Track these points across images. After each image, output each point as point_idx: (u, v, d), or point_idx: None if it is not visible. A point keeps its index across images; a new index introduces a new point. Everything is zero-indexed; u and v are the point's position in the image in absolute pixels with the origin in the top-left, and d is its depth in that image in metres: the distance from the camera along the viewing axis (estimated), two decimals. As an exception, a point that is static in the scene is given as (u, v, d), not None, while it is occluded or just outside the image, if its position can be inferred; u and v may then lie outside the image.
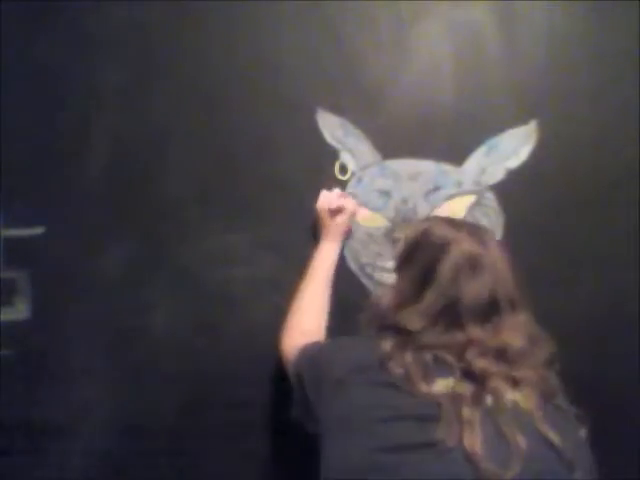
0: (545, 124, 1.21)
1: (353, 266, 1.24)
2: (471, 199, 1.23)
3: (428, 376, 0.82)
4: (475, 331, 0.85)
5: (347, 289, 1.20)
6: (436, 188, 1.22)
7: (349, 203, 1.20)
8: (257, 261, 1.23)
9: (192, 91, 1.22)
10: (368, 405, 0.82)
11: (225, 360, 1.23)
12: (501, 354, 0.84)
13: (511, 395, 0.81)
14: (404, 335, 0.87)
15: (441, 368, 0.83)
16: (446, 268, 0.88)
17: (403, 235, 1.01)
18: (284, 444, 1.23)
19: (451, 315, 0.87)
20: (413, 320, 0.87)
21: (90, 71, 1.21)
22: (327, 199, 1.20)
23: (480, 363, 0.82)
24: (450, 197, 1.23)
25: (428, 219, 1.09)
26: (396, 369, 0.83)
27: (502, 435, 0.75)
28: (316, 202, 1.21)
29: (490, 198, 1.22)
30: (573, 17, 1.20)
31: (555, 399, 0.84)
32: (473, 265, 0.88)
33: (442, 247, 0.90)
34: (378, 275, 1.23)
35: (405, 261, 0.97)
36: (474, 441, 0.74)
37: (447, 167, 1.22)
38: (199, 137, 1.22)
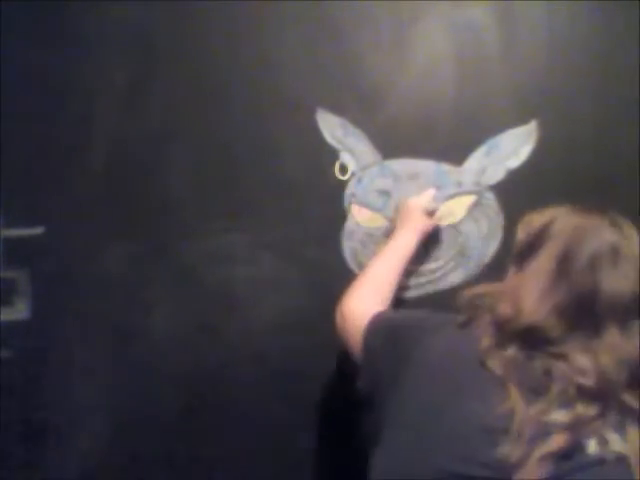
0: (545, 124, 1.21)
1: (353, 266, 1.24)
2: (471, 199, 1.23)
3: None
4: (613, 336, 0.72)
5: (347, 289, 1.20)
6: (436, 188, 1.22)
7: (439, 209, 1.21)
8: (257, 261, 1.23)
9: (192, 91, 1.22)
10: (451, 408, 0.72)
11: (225, 360, 1.23)
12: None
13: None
14: (526, 334, 0.74)
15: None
16: (584, 257, 0.76)
17: (523, 224, 0.88)
18: (284, 444, 1.23)
19: (584, 313, 0.74)
20: (539, 316, 0.74)
21: (90, 71, 1.21)
22: (429, 199, 1.19)
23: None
24: (450, 197, 1.23)
25: (556, 208, 0.92)
26: (497, 370, 0.73)
27: None
28: (316, 202, 1.21)
29: (490, 198, 1.22)
30: (573, 17, 1.20)
31: None
32: (615, 255, 0.76)
33: (578, 235, 0.79)
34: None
35: (528, 251, 0.83)
36: None
37: (447, 167, 1.22)
38: (199, 137, 1.22)
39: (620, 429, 0.69)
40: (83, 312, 1.22)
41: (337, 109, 1.21)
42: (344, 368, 1.12)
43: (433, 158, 1.22)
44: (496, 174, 1.22)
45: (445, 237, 1.23)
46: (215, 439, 1.23)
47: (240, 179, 1.23)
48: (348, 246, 1.24)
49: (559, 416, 0.68)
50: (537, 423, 0.68)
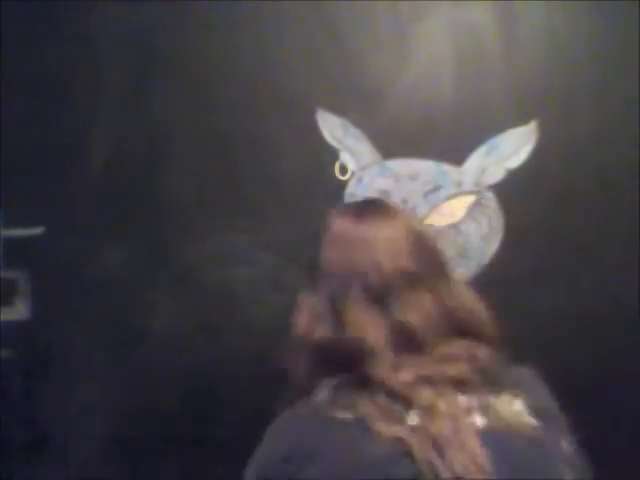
0: (545, 124, 1.20)
1: (353, 266, 1.23)
2: (471, 199, 1.22)
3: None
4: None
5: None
6: (436, 188, 1.22)
7: None
8: (257, 261, 1.23)
9: (192, 91, 1.22)
10: None
11: (225, 360, 1.23)
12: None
13: None
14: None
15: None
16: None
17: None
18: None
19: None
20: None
21: (90, 71, 1.21)
22: None
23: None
24: (450, 197, 1.23)
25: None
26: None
27: None
28: (316, 202, 1.21)
29: (490, 198, 1.22)
30: (573, 17, 1.20)
31: None
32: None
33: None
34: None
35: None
36: None
37: (447, 167, 1.22)
38: (199, 137, 1.22)
39: None
40: (83, 312, 1.22)
41: (337, 109, 1.21)
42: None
43: (433, 158, 1.22)
44: (496, 174, 1.22)
45: (445, 237, 1.23)
46: (215, 439, 1.23)
47: (240, 179, 1.23)
48: (348, 246, 1.24)
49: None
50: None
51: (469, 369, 0.70)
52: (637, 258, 1.21)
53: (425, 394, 0.67)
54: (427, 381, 0.68)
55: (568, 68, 1.21)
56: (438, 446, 0.64)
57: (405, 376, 0.68)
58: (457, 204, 1.23)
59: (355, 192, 1.23)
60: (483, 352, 0.72)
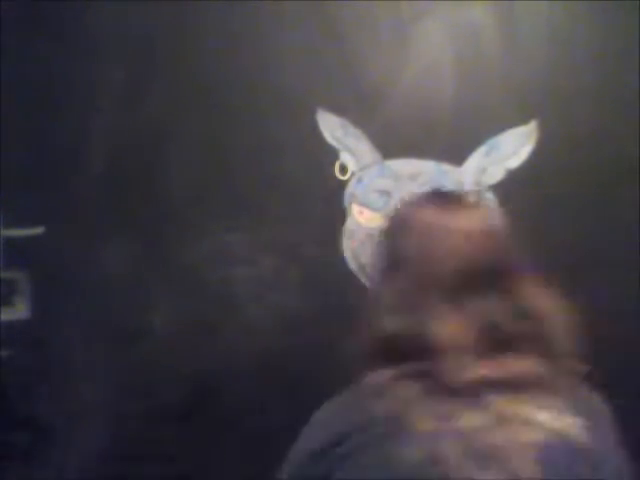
0: (545, 124, 1.20)
1: (353, 266, 1.24)
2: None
3: None
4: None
5: (347, 289, 1.20)
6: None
7: None
8: (257, 261, 1.23)
9: (192, 91, 1.22)
10: None
11: (225, 360, 1.23)
12: None
13: None
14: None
15: None
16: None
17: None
18: (284, 444, 1.23)
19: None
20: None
21: (90, 71, 1.21)
22: None
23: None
24: (450, 197, 1.23)
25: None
26: None
27: None
28: (316, 202, 1.21)
29: (490, 198, 1.22)
30: (573, 17, 1.20)
31: None
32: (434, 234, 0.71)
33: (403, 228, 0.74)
34: (378, 275, 1.23)
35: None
36: None
37: (447, 167, 1.22)
38: (199, 137, 1.22)
39: None
40: (83, 312, 1.22)
41: (337, 109, 1.21)
42: (344, 367, 1.12)
43: (433, 158, 1.22)
44: (496, 174, 1.22)
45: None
46: (215, 438, 1.23)
47: (240, 179, 1.23)
48: (348, 246, 1.24)
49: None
50: None
51: (538, 381, 0.66)
52: (637, 258, 1.21)
53: (489, 398, 0.64)
54: (493, 385, 0.64)
55: (568, 68, 1.21)
56: (482, 454, 0.60)
57: (472, 375, 0.64)
58: (457, 204, 1.23)
59: (355, 192, 1.23)
60: (554, 365, 0.69)
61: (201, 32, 1.21)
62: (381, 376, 0.68)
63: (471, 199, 0.79)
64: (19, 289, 1.21)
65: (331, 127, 1.22)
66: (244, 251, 1.23)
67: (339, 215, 1.23)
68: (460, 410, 0.63)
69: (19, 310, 1.21)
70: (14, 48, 1.19)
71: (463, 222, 0.71)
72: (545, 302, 0.73)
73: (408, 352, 0.66)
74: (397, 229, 0.76)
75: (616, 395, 1.18)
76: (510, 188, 1.21)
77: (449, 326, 0.66)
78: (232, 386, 1.23)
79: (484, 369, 0.65)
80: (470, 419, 0.62)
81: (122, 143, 1.22)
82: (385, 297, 0.72)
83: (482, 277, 0.68)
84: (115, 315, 1.22)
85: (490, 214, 0.77)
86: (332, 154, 1.22)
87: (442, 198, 0.78)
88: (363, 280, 1.24)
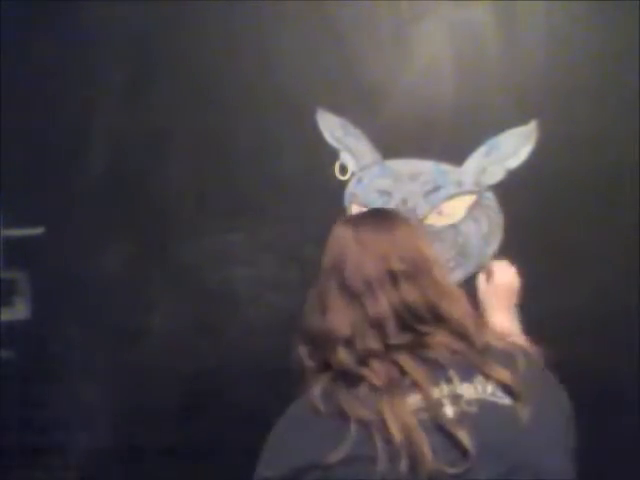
0: (545, 124, 1.20)
1: (353, 266, 1.23)
2: (471, 199, 1.22)
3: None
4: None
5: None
6: (436, 188, 1.22)
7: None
8: (257, 261, 1.23)
9: (192, 91, 1.22)
10: None
11: (225, 360, 1.23)
12: None
13: None
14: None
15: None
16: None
17: None
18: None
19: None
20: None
21: (90, 71, 1.21)
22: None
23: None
24: (450, 197, 1.22)
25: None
26: None
27: None
28: (316, 202, 1.21)
29: (490, 198, 1.22)
30: (573, 17, 1.20)
31: None
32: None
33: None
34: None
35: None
36: None
37: (447, 167, 1.22)
38: (199, 137, 1.22)
39: None
40: (83, 312, 1.22)
41: (337, 109, 1.21)
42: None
43: (433, 158, 1.22)
44: (496, 174, 1.22)
45: (445, 237, 1.23)
46: (215, 438, 1.23)
47: (240, 179, 1.23)
48: (348, 246, 1.24)
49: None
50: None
51: (447, 356, 0.75)
52: (638, 258, 1.21)
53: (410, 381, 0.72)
54: (396, 366, 0.74)
55: (568, 68, 1.20)
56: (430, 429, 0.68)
57: (375, 365, 0.74)
58: (457, 204, 1.23)
59: (355, 192, 1.23)
60: (461, 340, 0.77)
61: (201, 32, 1.21)
62: (320, 382, 0.80)
63: (390, 218, 0.91)
64: (19, 289, 1.21)
65: (331, 127, 1.22)
66: (244, 251, 1.23)
67: (339, 215, 1.23)
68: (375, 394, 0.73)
69: (19, 310, 1.21)
70: (14, 48, 1.19)
71: (371, 241, 0.84)
72: (448, 289, 0.83)
73: (319, 344, 0.82)
74: (326, 244, 0.91)
75: (616, 394, 1.19)
76: (510, 188, 1.21)
77: (342, 322, 0.79)
78: (232, 386, 1.23)
79: (400, 351, 0.75)
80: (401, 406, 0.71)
81: (122, 143, 1.22)
82: (309, 299, 0.88)
83: (383, 279, 0.80)
84: (115, 315, 1.22)
85: (409, 232, 0.88)
86: (332, 154, 1.22)
87: (361, 218, 0.94)
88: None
